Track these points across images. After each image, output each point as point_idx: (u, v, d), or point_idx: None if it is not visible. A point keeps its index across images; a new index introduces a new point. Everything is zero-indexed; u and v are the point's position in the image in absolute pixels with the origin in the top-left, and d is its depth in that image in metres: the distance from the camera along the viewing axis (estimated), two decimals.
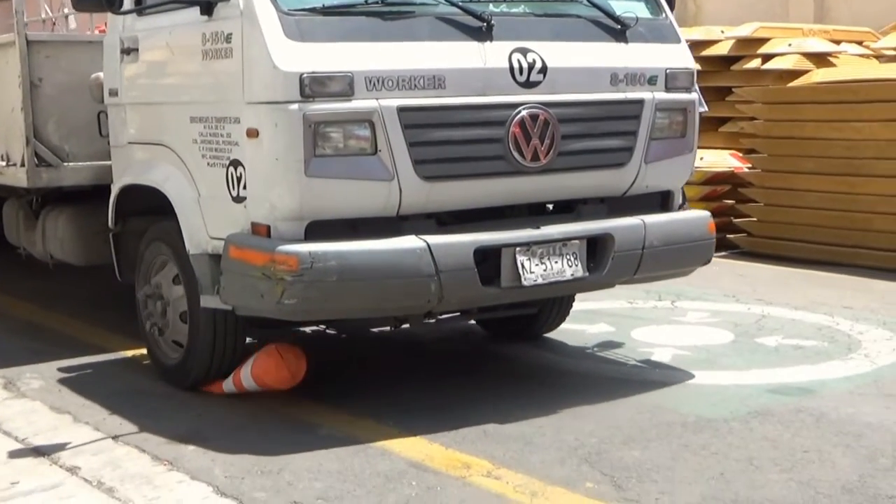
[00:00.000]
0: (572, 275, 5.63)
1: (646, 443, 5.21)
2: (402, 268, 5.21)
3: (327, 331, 6.78)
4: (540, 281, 5.52)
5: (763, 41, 11.71)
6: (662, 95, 6.04)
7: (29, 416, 5.77)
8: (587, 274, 5.72)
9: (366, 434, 5.37)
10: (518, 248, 5.48)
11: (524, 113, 5.51)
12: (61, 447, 5.25)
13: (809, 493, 4.61)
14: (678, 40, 6.22)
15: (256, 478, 4.81)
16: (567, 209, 5.92)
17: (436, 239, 5.30)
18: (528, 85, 5.56)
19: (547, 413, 5.61)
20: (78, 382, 6.35)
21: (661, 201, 6.26)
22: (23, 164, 6.81)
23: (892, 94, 9.68)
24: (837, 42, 12.07)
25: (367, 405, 5.81)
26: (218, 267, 5.51)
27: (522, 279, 5.48)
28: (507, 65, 5.51)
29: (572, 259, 5.63)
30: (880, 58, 11.80)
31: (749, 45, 11.67)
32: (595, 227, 5.77)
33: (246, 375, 5.81)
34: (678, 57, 6.17)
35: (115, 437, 5.37)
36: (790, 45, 11.52)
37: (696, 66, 6.29)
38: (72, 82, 6.81)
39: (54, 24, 8.52)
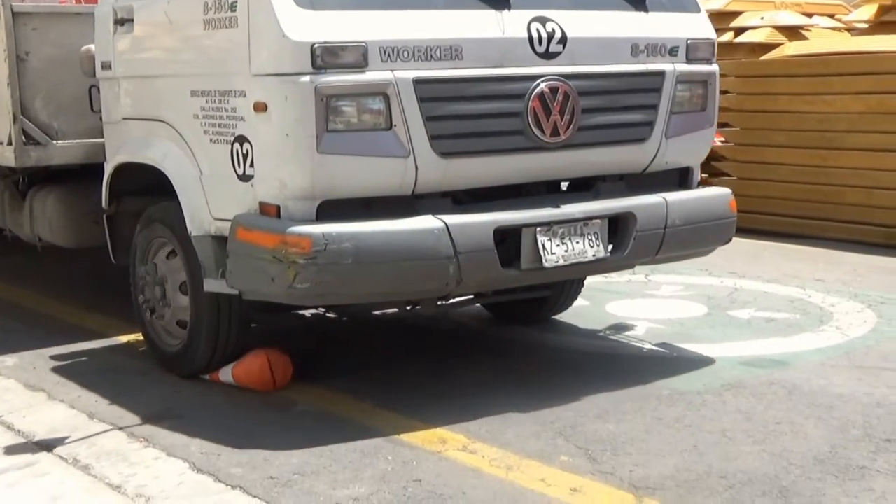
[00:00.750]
0: (594, 255, 5.51)
1: (620, 416, 5.26)
2: (420, 249, 5.07)
3: (327, 314, 6.70)
4: (561, 262, 5.40)
5: (735, 14, 11.75)
6: (683, 67, 5.91)
7: (3, 394, 5.76)
8: (608, 255, 5.60)
9: (342, 410, 5.40)
10: (539, 228, 5.35)
11: (543, 86, 5.38)
12: (36, 425, 5.26)
13: (782, 465, 4.66)
14: (698, 9, 6.08)
15: (232, 454, 4.84)
16: (584, 187, 5.79)
17: (454, 219, 5.18)
18: (548, 56, 5.41)
19: (522, 388, 5.68)
20: (53, 361, 6.35)
21: (680, 178, 6.13)
22: (10, 143, 6.64)
23: (863, 67, 9.76)
24: (809, 15, 12.14)
25: (344, 381, 5.83)
26: (222, 249, 5.40)
27: (543, 260, 5.36)
28: (525, 34, 5.36)
29: (594, 239, 5.50)
30: (852, 31, 11.87)
31: (722, 18, 11.62)
32: (616, 205, 5.65)
33: (226, 372, 5.78)
34: (699, 27, 6.04)
35: (90, 415, 5.38)
36: (762, 18, 11.54)
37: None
38: (61, 56, 6.63)
39: None
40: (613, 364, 6.09)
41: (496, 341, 6.70)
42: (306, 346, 6.50)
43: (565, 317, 7.07)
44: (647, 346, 6.46)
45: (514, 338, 6.73)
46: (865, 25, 11.36)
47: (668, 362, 6.14)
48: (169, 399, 5.62)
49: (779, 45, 10.97)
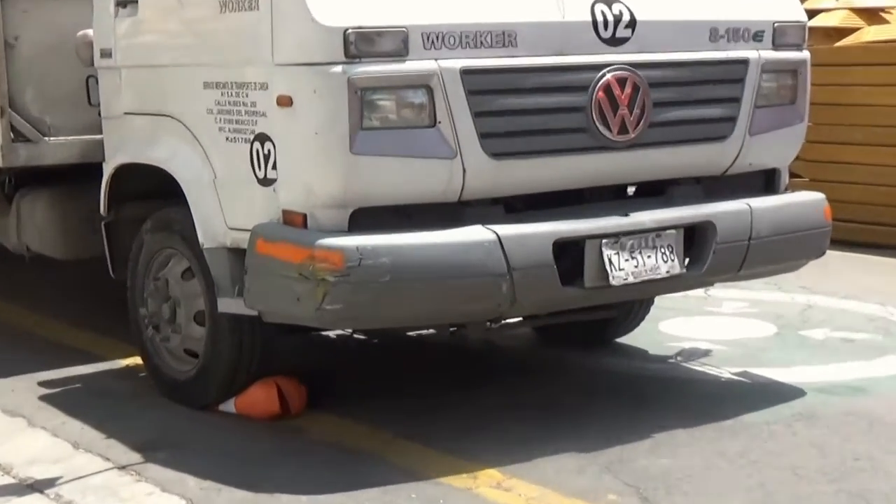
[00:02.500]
0: (668, 272, 5.31)
1: (675, 449, 5.14)
2: (468, 265, 4.91)
3: (354, 335, 6.60)
4: (630, 279, 5.20)
5: None
6: (770, 54, 5.72)
7: None
8: (684, 270, 5.40)
9: (359, 439, 5.32)
10: (605, 241, 5.16)
11: (610, 76, 5.20)
12: (14, 455, 5.23)
13: None
14: None
15: (234, 492, 4.76)
16: (655, 193, 5.63)
17: (507, 229, 4.99)
18: (614, 42, 5.25)
19: (562, 417, 5.54)
20: (35, 383, 6.29)
21: (765, 181, 5.94)
22: None
23: None
24: None
25: (362, 408, 5.73)
26: (239, 263, 5.24)
27: (610, 277, 5.16)
28: (589, 17, 5.19)
29: (667, 252, 5.30)
30: None
31: None
32: (693, 213, 5.46)
33: (227, 402, 5.70)
34: (787, 8, 5.85)
35: (74, 444, 5.33)
36: None
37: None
38: (55, 41, 6.51)
39: None
40: (668, 391, 5.97)
41: (535, 364, 6.58)
42: (319, 366, 6.39)
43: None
44: (707, 370, 6.31)
45: (554, 360, 6.59)
46: None
47: (731, 388, 6.02)
48: (164, 426, 5.54)
49: (856, 29, 10.69)
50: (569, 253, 5.13)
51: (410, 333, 6.59)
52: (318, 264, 4.79)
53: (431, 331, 6.27)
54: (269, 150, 5.02)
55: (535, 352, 6.82)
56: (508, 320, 5.63)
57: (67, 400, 5.94)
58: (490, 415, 5.60)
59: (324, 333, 6.62)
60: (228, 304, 5.36)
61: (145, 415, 5.71)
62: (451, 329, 5.83)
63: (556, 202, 5.33)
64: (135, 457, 5.15)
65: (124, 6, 5.83)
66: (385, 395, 5.96)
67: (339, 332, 6.56)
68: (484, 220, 5.01)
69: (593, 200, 5.44)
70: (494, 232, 4.95)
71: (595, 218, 5.23)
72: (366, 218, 4.94)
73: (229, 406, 5.69)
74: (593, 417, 5.53)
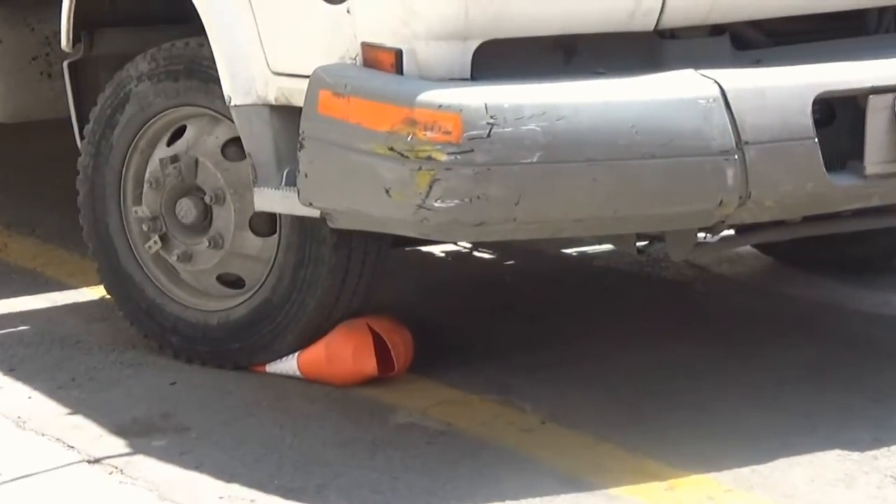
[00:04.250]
0: None
1: None
2: (672, 136, 4.01)
3: (475, 252, 6.01)
4: None
5: None
6: None
7: None
8: None
9: (483, 424, 4.50)
10: None
11: None
12: None
13: None
14: None
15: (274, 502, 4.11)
16: None
17: (736, 78, 4.08)
18: None
19: (824, 395, 4.73)
20: None
21: None
22: None
23: None
24: None
25: (484, 370, 4.91)
26: (290, 132, 4.44)
27: None
28: None
29: None
30: None
31: None
32: None
33: (287, 359, 4.98)
34: None
35: (18, 422, 4.66)
36: None
37: None
38: None
39: None
40: None
41: (771, 308, 5.69)
42: (419, 302, 5.62)
43: None
44: None
45: (807, 303, 5.75)
46: None
47: None
48: (161, 397, 4.72)
49: None
50: (837, 119, 4.30)
51: (567, 251, 6.00)
52: (420, 133, 4.01)
53: (603, 248, 5.72)
54: None
55: (774, 288, 5.95)
56: (730, 232, 4.78)
57: (7, 353, 5.19)
58: (700, 390, 4.74)
59: (426, 250, 6.07)
60: (270, 199, 4.56)
61: (133, 379, 4.89)
62: (639, 245, 4.85)
63: (810, 35, 4.45)
64: (113, 444, 4.31)
65: None
66: (523, 351, 5.12)
67: (452, 246, 6.00)
68: (698, 63, 4.14)
69: (865, 33, 4.57)
70: (716, 82, 4.03)
71: (880, 59, 4.31)
72: (500, 58, 4.15)
73: (286, 365, 4.86)
74: (870, 394, 4.71)
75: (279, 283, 4.86)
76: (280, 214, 4.83)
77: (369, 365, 4.68)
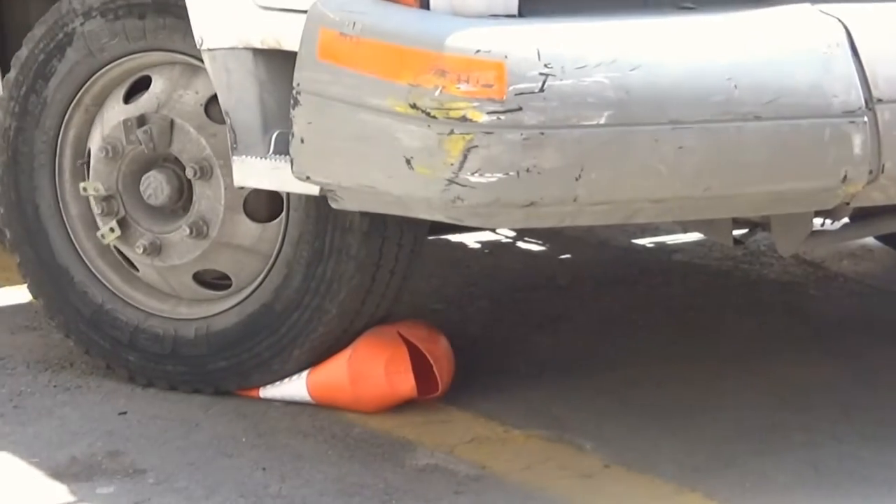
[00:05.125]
0: None
1: None
2: (780, 91, 3.62)
3: (519, 243, 5.67)
4: None
5: None
6: None
7: None
8: None
9: (531, 468, 4.15)
10: None
11: None
12: None
13: None
14: None
15: None
16: None
17: (866, 16, 3.72)
18: None
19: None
20: None
21: None
22: None
23: None
24: None
25: (530, 394, 4.56)
26: (281, 83, 4.02)
27: None
28: None
29: None
30: None
31: None
32: None
33: (300, 381, 4.57)
34: None
35: None
36: None
37: None
38: None
39: None
40: None
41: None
42: (446, 305, 5.33)
43: None
44: None
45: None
46: None
47: None
48: (108, 427, 4.29)
49: None
50: None
51: (640, 242, 5.68)
52: (452, 87, 3.55)
53: (687, 237, 5.48)
54: None
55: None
56: (842, 220, 4.38)
57: None
58: (813, 426, 4.35)
59: (455, 239, 5.78)
60: (254, 171, 4.07)
61: (70, 406, 4.47)
62: (736, 234, 4.43)
63: None
64: (46, 492, 3.88)
65: None
66: (580, 374, 4.74)
67: (490, 234, 5.62)
68: None
69: None
70: (839, 20, 3.60)
71: None
72: None
73: (289, 389, 4.47)
74: None
75: (286, 283, 4.38)
76: (288, 193, 4.37)
77: (406, 384, 4.23)
